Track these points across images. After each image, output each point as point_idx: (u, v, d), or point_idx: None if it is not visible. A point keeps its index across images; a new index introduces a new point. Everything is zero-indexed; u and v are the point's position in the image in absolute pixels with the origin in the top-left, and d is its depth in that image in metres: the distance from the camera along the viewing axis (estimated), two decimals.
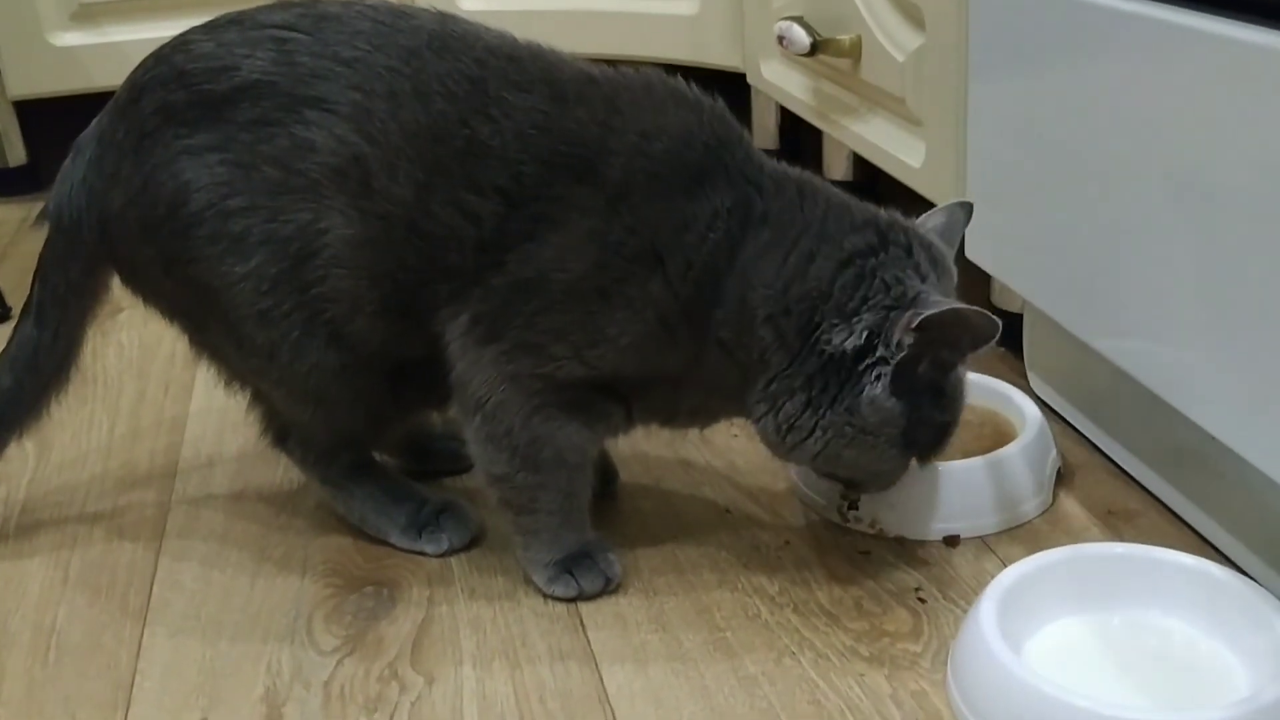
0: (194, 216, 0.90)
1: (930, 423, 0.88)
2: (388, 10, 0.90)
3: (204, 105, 0.90)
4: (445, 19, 0.91)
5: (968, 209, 0.98)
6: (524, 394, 0.89)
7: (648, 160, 0.87)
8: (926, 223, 0.94)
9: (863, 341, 0.85)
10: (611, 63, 0.94)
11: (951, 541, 0.99)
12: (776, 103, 1.76)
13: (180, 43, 0.93)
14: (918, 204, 1.33)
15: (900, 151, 1.32)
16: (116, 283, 1.01)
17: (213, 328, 0.96)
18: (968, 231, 1.19)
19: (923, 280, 0.87)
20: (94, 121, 0.97)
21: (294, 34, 0.89)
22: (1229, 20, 0.79)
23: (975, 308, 0.84)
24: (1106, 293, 0.97)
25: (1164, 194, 0.89)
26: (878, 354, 0.85)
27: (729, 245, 0.87)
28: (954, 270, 0.92)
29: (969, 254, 1.19)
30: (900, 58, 1.28)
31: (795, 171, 0.92)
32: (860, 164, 1.67)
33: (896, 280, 0.86)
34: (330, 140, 0.87)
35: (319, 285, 0.90)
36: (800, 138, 1.79)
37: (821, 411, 0.87)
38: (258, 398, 1.03)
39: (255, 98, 0.88)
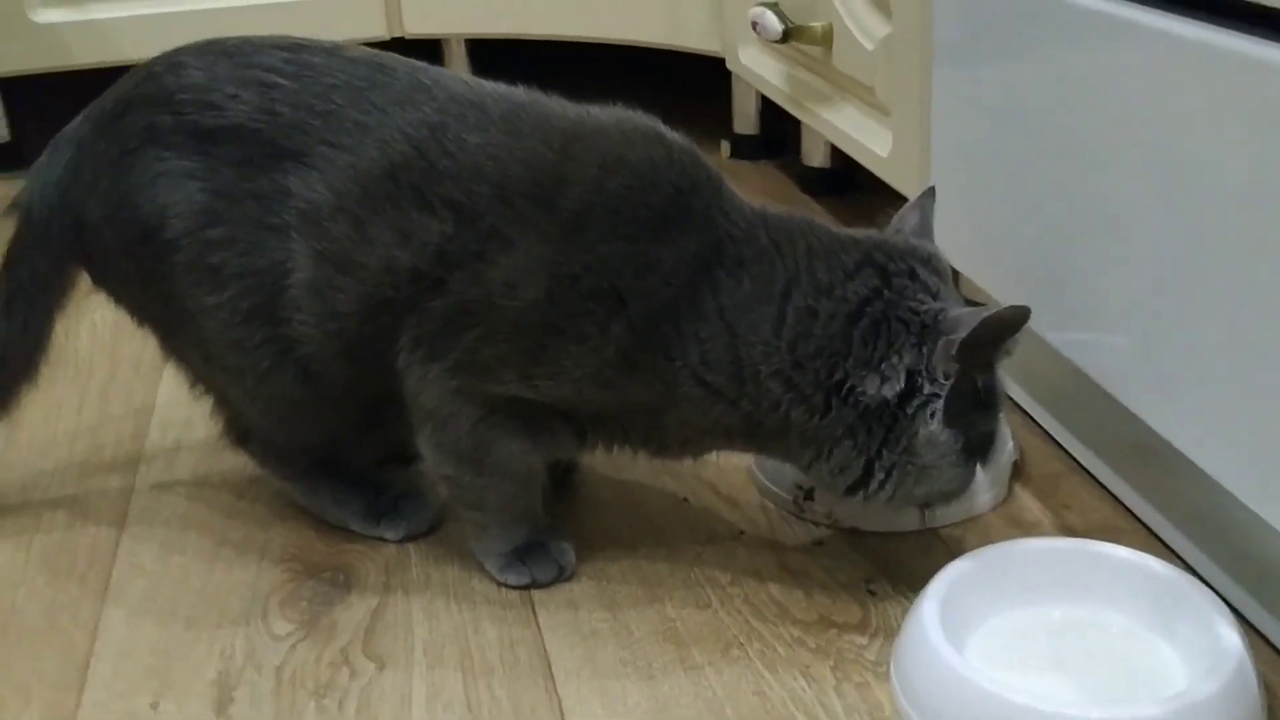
0: (170, 243, 0.91)
1: (984, 430, 0.88)
2: (365, 64, 0.92)
3: (189, 134, 0.91)
4: (418, 70, 0.92)
5: (932, 193, 0.95)
6: (472, 405, 0.90)
7: (607, 196, 0.86)
8: (905, 224, 0.92)
9: (904, 385, 0.85)
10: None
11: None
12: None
13: (173, 63, 0.94)
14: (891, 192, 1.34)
15: (870, 141, 1.32)
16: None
17: (182, 339, 0.98)
18: None
19: (934, 297, 0.86)
20: (76, 122, 0.97)
21: (279, 80, 0.91)
22: (1188, 20, 0.79)
23: (997, 308, 0.83)
24: (1059, 287, 0.98)
25: (1120, 188, 0.88)
26: (925, 391, 0.85)
27: (696, 291, 0.85)
28: (947, 264, 0.90)
29: None
30: (870, 46, 1.28)
31: (768, 211, 0.90)
32: (839, 151, 1.67)
33: (913, 312, 0.84)
34: (303, 188, 0.89)
35: (288, 325, 0.91)
36: (784, 124, 1.78)
37: (875, 452, 0.86)
38: (222, 402, 1.03)
39: (240, 141, 0.90)
